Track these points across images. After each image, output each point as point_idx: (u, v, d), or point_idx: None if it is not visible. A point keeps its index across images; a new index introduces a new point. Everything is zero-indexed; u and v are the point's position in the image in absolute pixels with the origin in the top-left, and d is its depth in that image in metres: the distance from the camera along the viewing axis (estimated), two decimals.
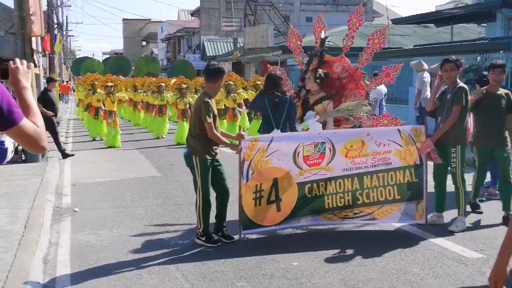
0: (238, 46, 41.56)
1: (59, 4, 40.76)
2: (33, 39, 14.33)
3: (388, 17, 28.48)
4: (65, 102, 44.98)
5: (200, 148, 6.61)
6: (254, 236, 6.98)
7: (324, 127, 7.51)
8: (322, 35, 7.97)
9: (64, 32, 52.15)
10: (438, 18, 25.67)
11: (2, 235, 6.95)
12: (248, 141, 6.71)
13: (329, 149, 6.81)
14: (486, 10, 21.82)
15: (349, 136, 6.94)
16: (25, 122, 2.50)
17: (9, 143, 10.76)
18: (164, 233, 7.31)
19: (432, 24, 29.34)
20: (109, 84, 17.42)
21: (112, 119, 16.85)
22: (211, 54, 46.44)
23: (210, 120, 6.48)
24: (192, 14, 63.07)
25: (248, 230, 6.85)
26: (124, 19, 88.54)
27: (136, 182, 10.98)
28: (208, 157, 6.64)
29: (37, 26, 13.60)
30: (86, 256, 6.37)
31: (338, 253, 6.33)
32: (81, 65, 52.64)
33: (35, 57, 14.41)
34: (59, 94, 38.85)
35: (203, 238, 6.68)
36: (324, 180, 6.92)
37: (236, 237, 6.84)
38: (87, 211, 8.56)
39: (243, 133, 6.92)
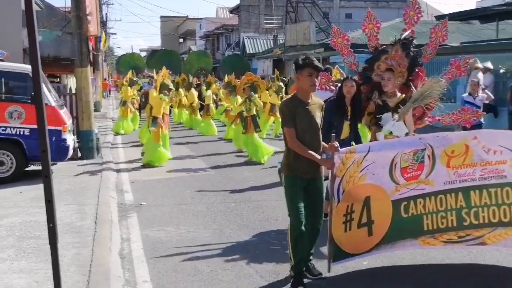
0: (278, 43, 41.67)
1: (102, 2, 41.48)
2: None
3: (432, 14, 28.33)
4: (107, 98, 45.88)
5: (287, 162, 5.49)
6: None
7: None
8: (405, 34, 7.34)
9: (106, 30, 52.86)
10: (483, 14, 25.41)
11: (75, 231, 7.21)
12: (343, 153, 5.50)
13: (428, 156, 5.59)
14: None
15: (451, 139, 5.66)
16: None
17: (70, 141, 11.07)
18: (230, 230, 7.49)
19: (476, 21, 29.03)
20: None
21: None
22: (251, 51, 46.73)
23: (288, 126, 5.36)
24: (231, 12, 63.38)
25: (337, 262, 5.70)
26: (162, 16, 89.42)
27: (192, 179, 11.23)
28: (296, 174, 5.43)
29: (93, 26, 13.94)
30: (159, 252, 6.58)
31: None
32: (120, 61, 52.78)
33: None
34: (102, 90, 39.55)
35: (292, 280, 5.48)
36: (423, 196, 5.71)
37: (324, 272, 5.70)
38: (151, 207, 8.80)
39: (335, 144, 5.49)
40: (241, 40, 50.20)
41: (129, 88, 21.14)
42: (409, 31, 7.36)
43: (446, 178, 5.68)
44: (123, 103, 21.16)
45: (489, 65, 15.39)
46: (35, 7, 18.86)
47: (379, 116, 6.97)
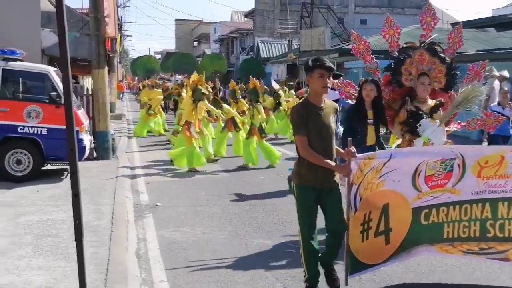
0: (293, 48, 41.73)
1: (119, 4, 41.77)
2: None
3: (448, 21, 28.28)
4: (121, 100, 46.14)
5: (299, 170, 5.25)
6: None
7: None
8: (431, 39, 7.17)
9: (122, 32, 53.23)
10: (499, 22, 25.41)
11: (92, 230, 7.27)
12: (360, 159, 5.21)
13: (458, 165, 5.28)
14: None
15: (486, 151, 5.46)
16: None
17: (87, 141, 11.17)
18: (245, 232, 7.53)
19: (492, 29, 28.99)
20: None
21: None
22: (265, 56, 46.80)
23: (299, 133, 5.10)
24: (245, 16, 63.56)
25: (355, 274, 5.43)
26: (176, 20, 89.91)
27: (206, 181, 11.30)
28: (308, 184, 5.20)
29: (111, 28, 14.06)
30: (176, 253, 6.64)
31: None
32: (136, 63, 53.14)
33: None
34: (117, 92, 39.79)
35: None
36: (447, 204, 5.42)
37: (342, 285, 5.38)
38: (166, 208, 8.87)
39: (352, 149, 5.21)
40: (255, 44, 50.28)
41: (155, 90, 20.80)
42: (432, 36, 7.20)
43: (474, 188, 5.36)
44: (148, 107, 20.18)
45: (505, 73, 15.26)
46: (52, 9, 18.97)
47: (412, 121, 6.73)
